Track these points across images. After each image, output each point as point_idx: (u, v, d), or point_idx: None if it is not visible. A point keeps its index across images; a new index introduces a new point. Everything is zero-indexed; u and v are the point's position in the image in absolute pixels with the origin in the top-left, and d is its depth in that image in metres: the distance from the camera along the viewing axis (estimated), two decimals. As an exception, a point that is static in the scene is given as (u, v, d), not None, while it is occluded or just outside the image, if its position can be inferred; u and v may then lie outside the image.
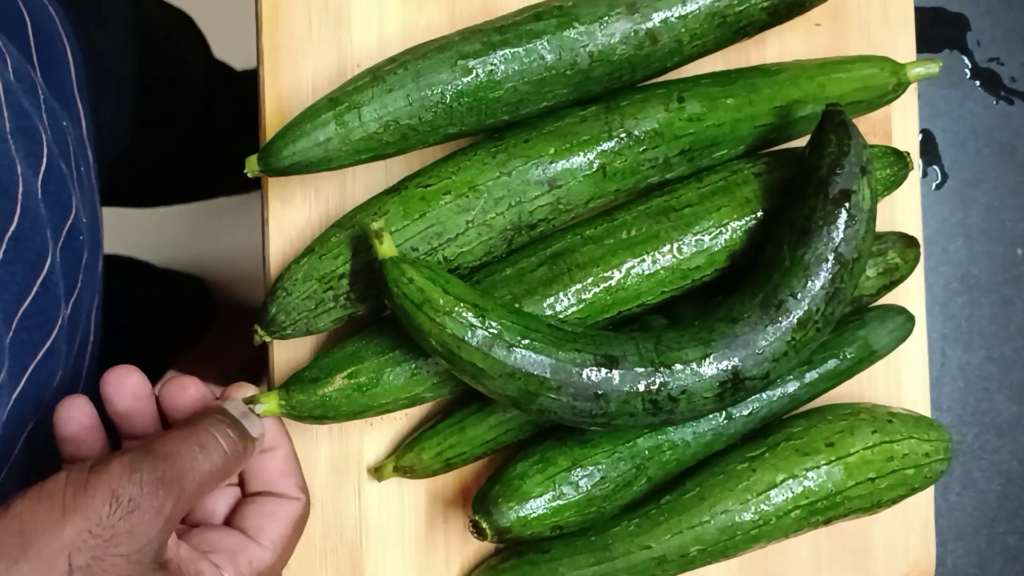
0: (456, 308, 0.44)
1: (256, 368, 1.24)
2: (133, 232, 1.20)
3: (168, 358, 1.16)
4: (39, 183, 0.46)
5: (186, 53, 0.84)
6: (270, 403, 0.47)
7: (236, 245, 1.33)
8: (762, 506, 0.48)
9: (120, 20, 0.69)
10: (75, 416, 0.42)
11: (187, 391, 0.44)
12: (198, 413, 0.42)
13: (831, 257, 0.46)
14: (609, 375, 0.44)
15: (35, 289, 0.45)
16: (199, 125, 0.87)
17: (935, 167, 0.58)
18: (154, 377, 1.04)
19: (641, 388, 0.44)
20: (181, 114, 0.84)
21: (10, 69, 0.46)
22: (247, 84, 0.68)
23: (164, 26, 0.81)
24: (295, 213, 0.51)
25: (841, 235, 0.46)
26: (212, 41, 0.89)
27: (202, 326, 1.25)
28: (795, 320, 0.46)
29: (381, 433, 0.51)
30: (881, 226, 0.54)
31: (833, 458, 0.49)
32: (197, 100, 0.86)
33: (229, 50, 0.95)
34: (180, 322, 1.21)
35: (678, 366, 0.45)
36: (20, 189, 0.43)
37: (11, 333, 0.44)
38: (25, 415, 0.47)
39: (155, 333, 1.08)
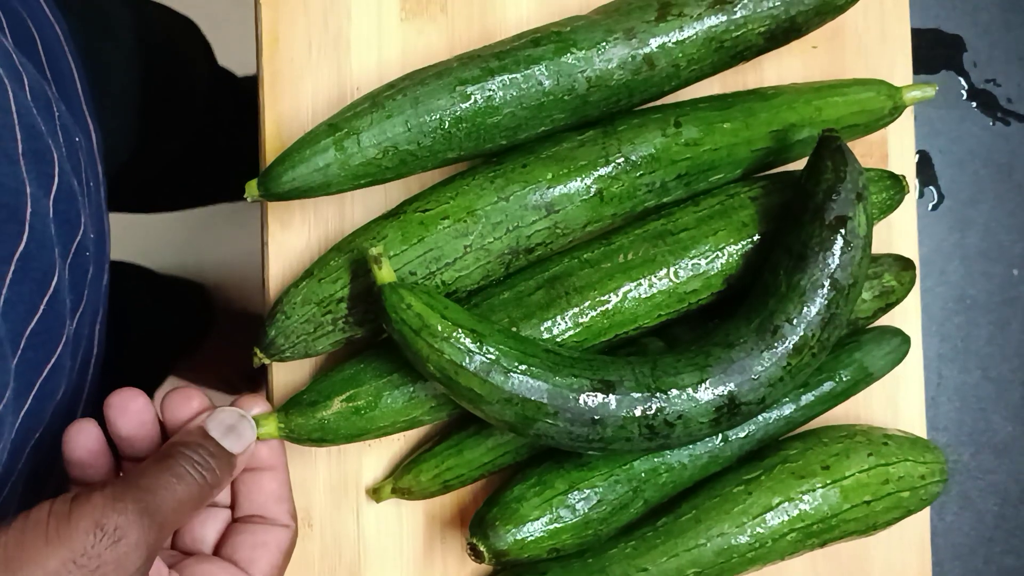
0: (454, 334, 0.44)
1: (257, 375, 1.24)
2: (133, 238, 1.20)
3: (168, 365, 1.16)
4: (51, 203, 0.46)
5: (190, 60, 0.85)
6: (269, 426, 0.47)
7: (236, 252, 1.33)
8: (758, 529, 0.48)
9: (126, 29, 0.69)
10: (83, 442, 0.43)
11: (191, 403, 0.44)
12: (175, 440, 0.42)
13: (827, 283, 0.46)
14: (606, 400, 0.45)
15: (42, 307, 0.45)
16: (201, 131, 0.88)
17: (932, 188, 0.58)
18: (153, 385, 1.05)
19: (638, 413, 0.45)
20: (184, 121, 0.85)
21: (27, 88, 0.46)
22: (249, 90, 0.68)
23: (168, 33, 0.81)
24: (294, 236, 0.51)
25: (837, 261, 0.46)
26: (214, 46, 0.90)
27: (202, 333, 1.25)
28: (791, 346, 0.46)
29: (379, 455, 0.52)
30: (878, 247, 0.54)
31: (829, 481, 0.49)
32: (200, 106, 0.86)
33: (230, 56, 0.95)
34: (180, 329, 1.21)
35: (674, 391, 0.45)
36: (28, 210, 0.43)
37: (19, 352, 0.44)
38: (30, 431, 0.47)
39: (155, 340, 1.09)
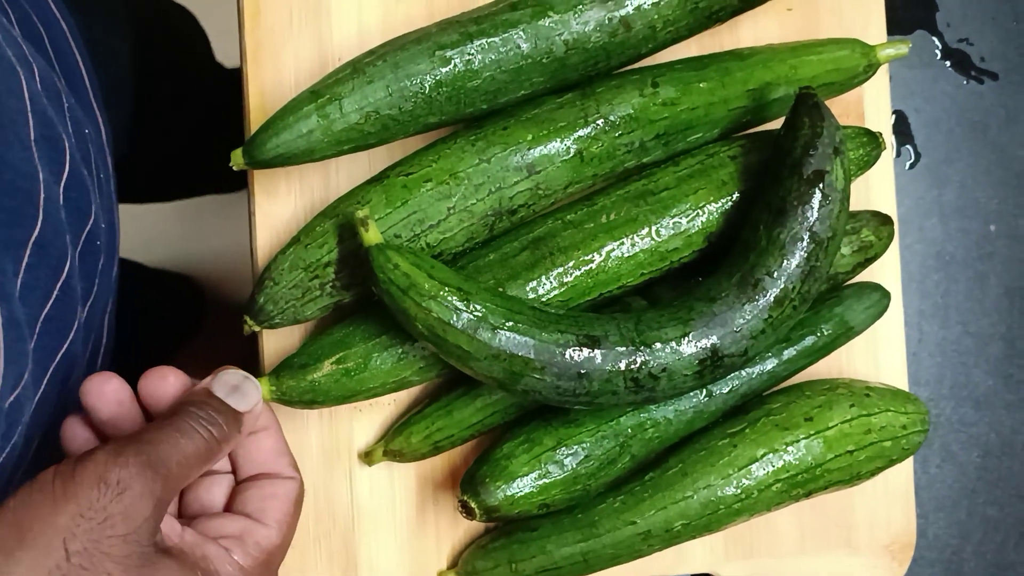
0: (441, 292, 0.45)
1: (249, 366, 1.25)
2: (123, 232, 1.21)
3: (159, 359, 1.17)
4: (61, 190, 0.47)
5: (187, 50, 0.85)
6: (261, 389, 0.48)
7: (225, 244, 1.33)
8: (743, 480, 0.49)
9: (122, 18, 0.69)
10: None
11: (167, 380, 0.44)
12: (181, 400, 0.42)
13: (806, 236, 0.47)
14: (591, 355, 0.45)
15: (55, 293, 0.46)
16: (197, 121, 0.88)
17: (908, 147, 0.59)
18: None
19: (623, 367, 0.46)
20: (180, 113, 0.85)
21: (37, 78, 0.47)
22: (238, 82, 0.69)
23: (166, 22, 0.81)
24: (280, 205, 0.52)
25: (816, 214, 0.47)
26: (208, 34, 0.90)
27: (193, 326, 1.26)
28: (772, 298, 0.47)
29: (370, 418, 0.52)
30: (856, 205, 0.55)
31: (812, 432, 0.50)
32: (196, 99, 0.87)
33: (220, 49, 0.96)
34: (171, 322, 1.21)
35: (658, 345, 0.46)
36: (42, 196, 0.43)
37: (35, 337, 0.44)
38: (43, 417, 0.48)
39: (146, 334, 1.09)
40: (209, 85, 0.89)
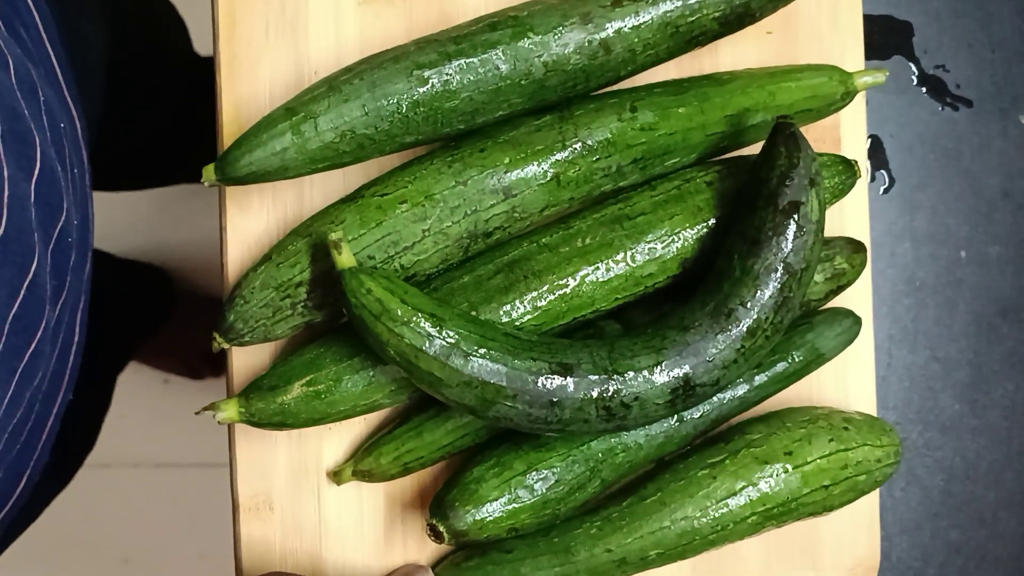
0: (414, 318, 0.44)
1: (219, 358, 1.24)
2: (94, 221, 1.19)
3: (130, 349, 1.15)
4: (31, 186, 0.46)
5: (164, 39, 0.84)
6: (229, 410, 0.47)
7: (196, 234, 1.32)
8: (721, 512, 0.49)
9: (103, 8, 0.68)
10: None
11: None
12: None
13: (780, 267, 0.47)
14: (564, 383, 0.45)
15: (23, 292, 0.45)
16: (172, 112, 0.87)
17: (883, 172, 0.59)
18: (115, 369, 1.04)
19: (595, 395, 0.45)
20: (156, 102, 0.84)
21: (11, 70, 0.46)
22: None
23: (146, 14, 0.80)
24: (253, 220, 0.51)
25: (790, 246, 0.47)
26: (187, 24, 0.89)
27: (163, 317, 1.24)
28: (744, 328, 0.47)
29: (340, 437, 0.52)
30: (830, 230, 0.55)
31: (791, 467, 0.50)
32: (172, 87, 0.85)
33: (199, 39, 0.94)
34: (141, 312, 1.20)
35: (631, 374, 0.46)
36: (7, 193, 0.43)
37: (4, 337, 0.44)
38: (9, 417, 0.47)
39: (116, 323, 1.08)
40: (185, 74, 0.88)
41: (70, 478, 0.75)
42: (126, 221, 1.31)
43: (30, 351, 0.47)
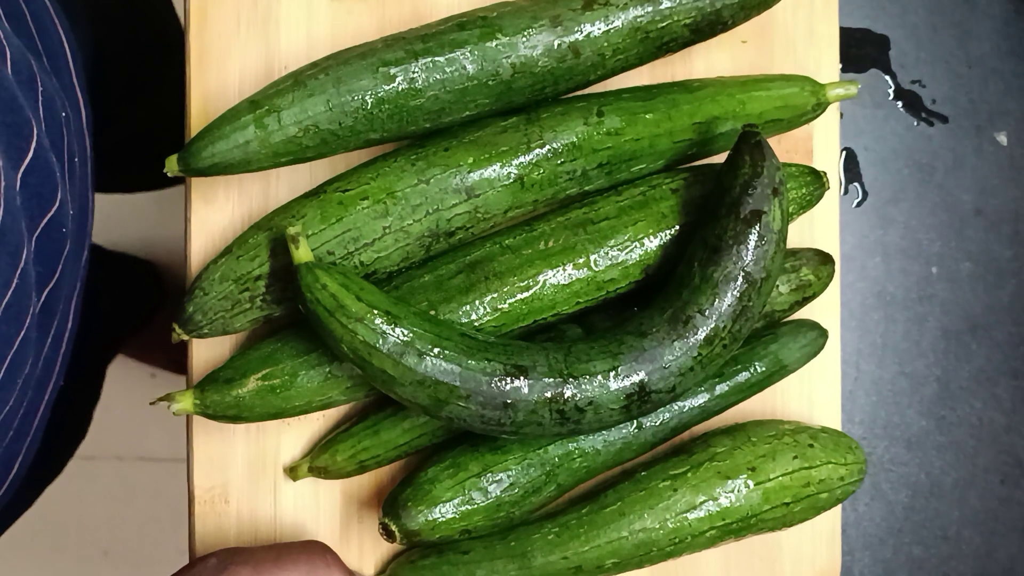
0: (368, 315, 0.44)
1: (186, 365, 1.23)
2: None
3: (116, 342, 1.16)
4: (19, 175, 0.46)
5: (162, 36, 0.84)
6: (185, 402, 0.47)
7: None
8: (680, 525, 0.49)
9: (109, 3, 0.68)
10: None
11: None
12: None
13: (740, 276, 0.47)
14: (518, 384, 0.45)
15: (15, 282, 0.45)
16: (164, 111, 0.87)
17: (856, 185, 0.59)
18: (103, 362, 1.04)
19: (549, 398, 0.45)
20: (143, 97, 0.84)
21: (8, 62, 0.46)
22: None
23: (139, 7, 0.80)
24: (218, 212, 0.51)
25: (751, 255, 0.47)
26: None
27: (152, 309, 1.24)
28: (702, 336, 0.46)
29: (299, 432, 0.52)
30: (799, 242, 0.55)
31: (753, 483, 0.49)
32: (170, 84, 0.85)
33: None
34: (129, 306, 1.20)
35: (586, 378, 0.46)
36: (2, 184, 0.43)
37: None
38: (4, 404, 0.47)
39: (104, 317, 1.08)
40: (181, 70, 0.88)
41: (62, 467, 0.75)
42: (117, 216, 1.31)
43: (19, 339, 0.47)
